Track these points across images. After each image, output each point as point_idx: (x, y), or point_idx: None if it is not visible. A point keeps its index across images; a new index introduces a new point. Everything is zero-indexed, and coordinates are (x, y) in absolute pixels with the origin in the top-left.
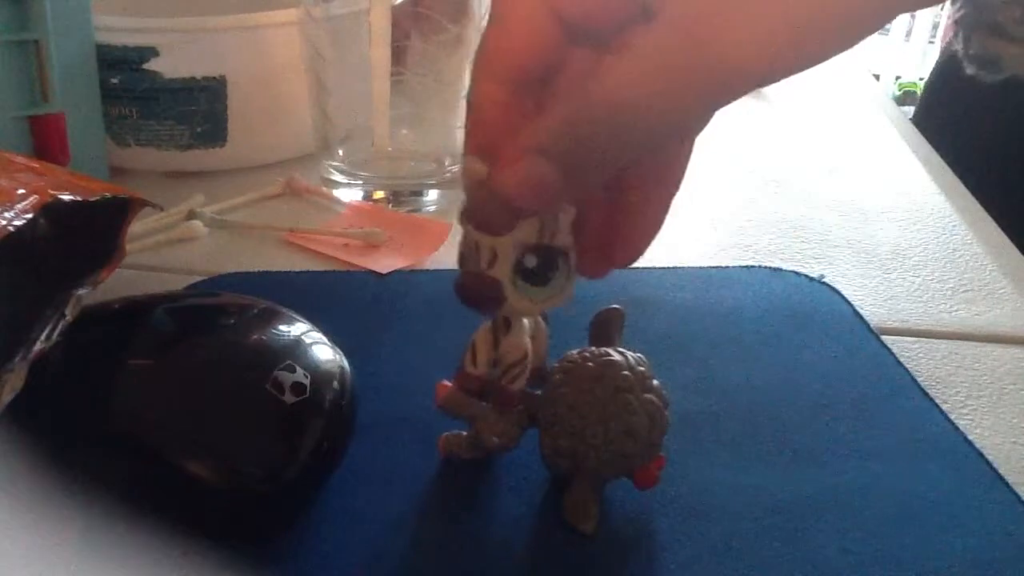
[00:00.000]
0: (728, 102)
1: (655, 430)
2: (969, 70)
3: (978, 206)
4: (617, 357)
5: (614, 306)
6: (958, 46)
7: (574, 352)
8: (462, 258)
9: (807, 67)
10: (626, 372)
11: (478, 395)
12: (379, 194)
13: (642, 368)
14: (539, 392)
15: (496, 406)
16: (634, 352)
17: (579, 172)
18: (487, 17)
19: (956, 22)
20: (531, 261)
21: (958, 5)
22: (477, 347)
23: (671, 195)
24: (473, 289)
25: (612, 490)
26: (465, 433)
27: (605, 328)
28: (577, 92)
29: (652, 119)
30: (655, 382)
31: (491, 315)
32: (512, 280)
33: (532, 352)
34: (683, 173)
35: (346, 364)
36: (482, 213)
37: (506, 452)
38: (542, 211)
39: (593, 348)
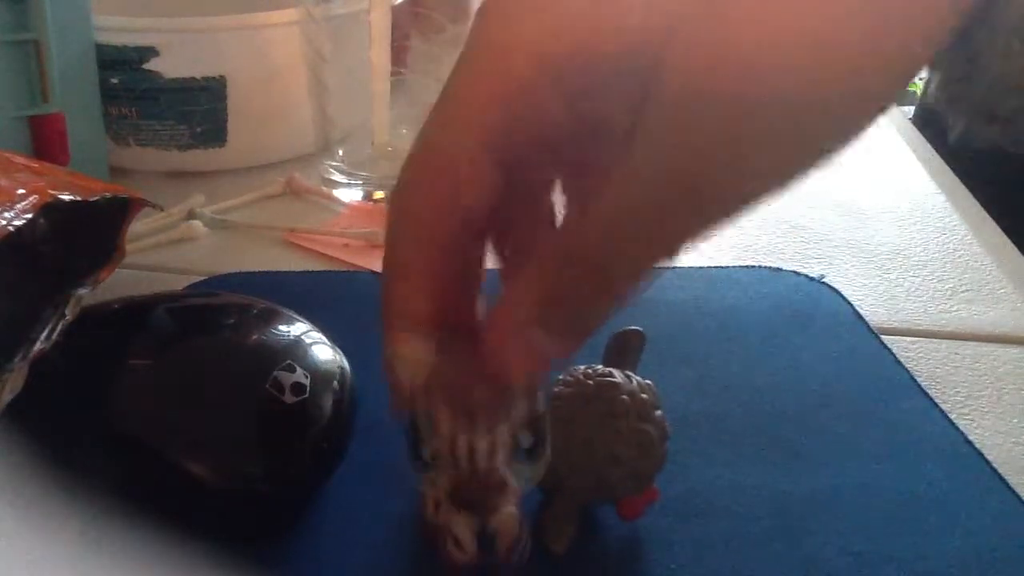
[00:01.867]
0: (731, 218)
1: (645, 461)
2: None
3: (978, 206)
4: (618, 380)
5: (634, 328)
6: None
7: (580, 367)
8: (433, 478)
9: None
10: (624, 397)
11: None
12: (379, 194)
13: (645, 396)
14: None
15: None
16: (644, 379)
17: (578, 328)
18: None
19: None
20: (527, 440)
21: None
22: (458, 533)
23: None
24: (477, 496)
25: None
26: None
27: (621, 349)
28: (559, 250)
29: (644, 258)
30: (657, 412)
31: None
32: (511, 467)
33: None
34: None
35: (346, 364)
36: (471, 403)
37: None
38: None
39: (598, 367)
